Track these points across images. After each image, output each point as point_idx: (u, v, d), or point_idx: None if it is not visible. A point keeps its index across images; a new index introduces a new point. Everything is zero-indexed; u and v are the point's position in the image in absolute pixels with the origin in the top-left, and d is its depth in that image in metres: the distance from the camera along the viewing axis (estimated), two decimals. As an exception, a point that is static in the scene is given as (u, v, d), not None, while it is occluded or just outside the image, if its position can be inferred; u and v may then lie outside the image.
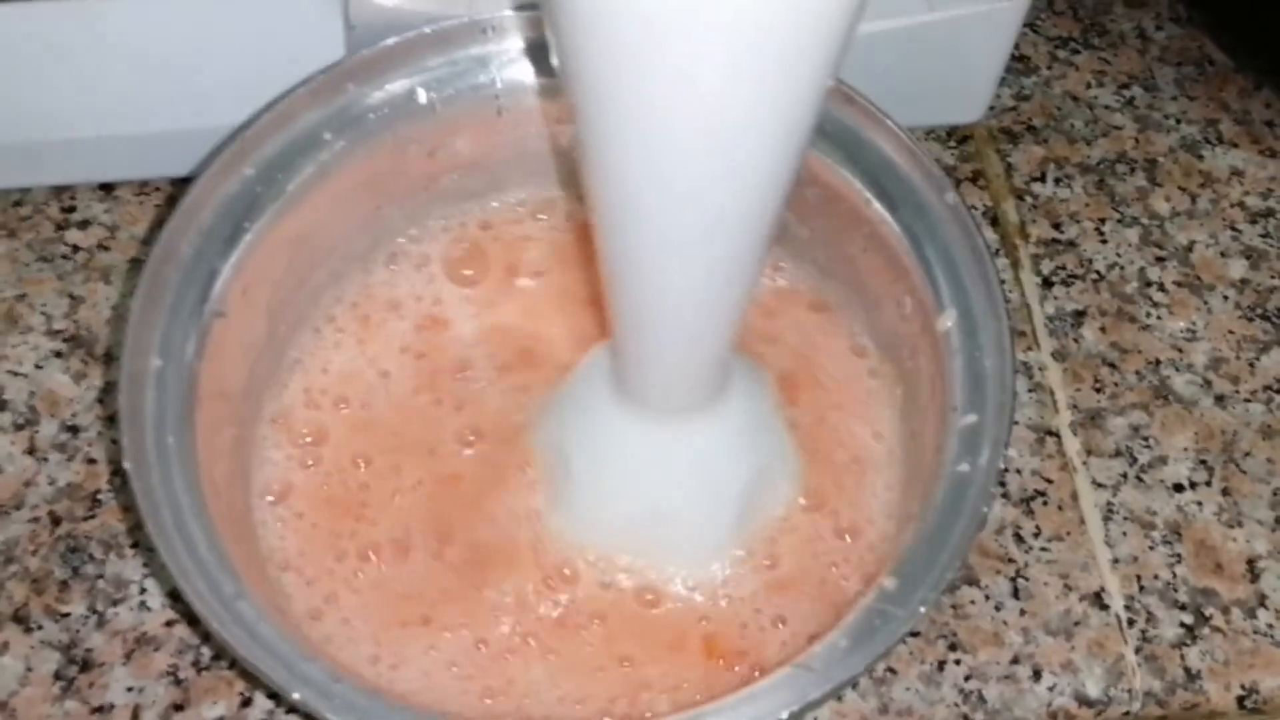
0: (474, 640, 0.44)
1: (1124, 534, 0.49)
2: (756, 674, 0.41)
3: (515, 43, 0.46)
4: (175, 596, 0.47)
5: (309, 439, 0.47)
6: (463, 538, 0.46)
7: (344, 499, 0.46)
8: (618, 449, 0.45)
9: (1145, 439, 0.51)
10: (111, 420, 0.51)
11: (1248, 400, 0.52)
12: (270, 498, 0.46)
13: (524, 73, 0.47)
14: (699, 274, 0.32)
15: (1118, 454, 0.51)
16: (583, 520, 0.45)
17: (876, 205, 0.44)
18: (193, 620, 0.47)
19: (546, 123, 0.48)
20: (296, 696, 0.35)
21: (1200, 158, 0.59)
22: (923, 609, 0.37)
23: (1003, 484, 0.50)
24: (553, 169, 0.51)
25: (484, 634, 0.44)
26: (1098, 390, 0.52)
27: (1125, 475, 0.51)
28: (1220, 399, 0.52)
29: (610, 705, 0.43)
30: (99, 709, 0.45)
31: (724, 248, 0.30)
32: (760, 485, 0.45)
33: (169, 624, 0.47)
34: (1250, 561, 0.49)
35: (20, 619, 0.46)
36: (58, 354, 0.52)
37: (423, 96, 0.46)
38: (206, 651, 0.46)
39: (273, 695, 0.45)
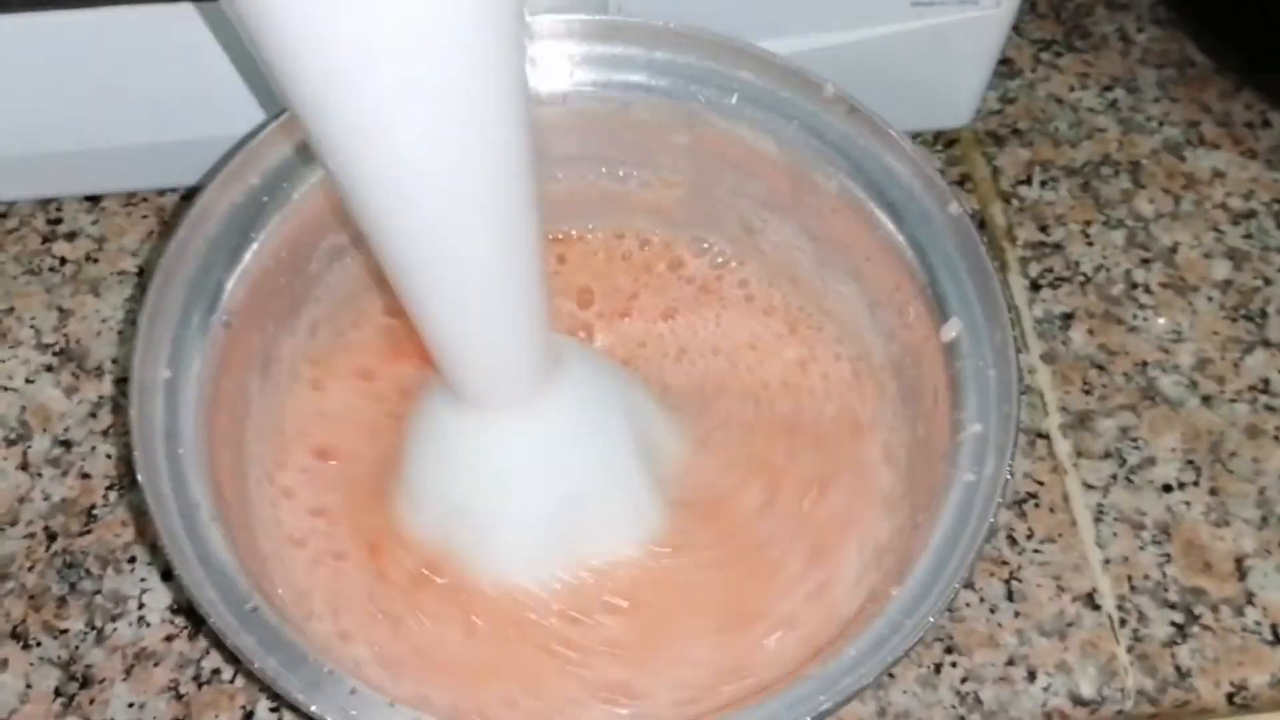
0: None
1: (1114, 535, 0.50)
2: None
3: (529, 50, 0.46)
4: (175, 610, 0.47)
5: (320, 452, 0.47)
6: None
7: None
8: (506, 477, 0.44)
9: (1134, 440, 0.52)
10: (105, 434, 0.50)
11: (1233, 400, 0.53)
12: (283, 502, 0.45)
13: (531, 80, 0.46)
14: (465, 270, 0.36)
15: (1107, 455, 0.52)
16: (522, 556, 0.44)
17: (880, 216, 0.44)
18: (194, 635, 0.46)
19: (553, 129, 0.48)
20: (315, 709, 0.35)
21: (1183, 159, 0.59)
22: (931, 619, 0.37)
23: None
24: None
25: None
26: (1086, 392, 0.53)
27: (1115, 476, 0.51)
28: (1207, 399, 0.53)
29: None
30: (100, 725, 0.45)
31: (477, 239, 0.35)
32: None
33: (169, 639, 0.46)
34: (1238, 560, 0.50)
35: (18, 636, 0.46)
36: (48, 368, 0.52)
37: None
38: (207, 666, 0.46)
39: (275, 709, 0.45)
